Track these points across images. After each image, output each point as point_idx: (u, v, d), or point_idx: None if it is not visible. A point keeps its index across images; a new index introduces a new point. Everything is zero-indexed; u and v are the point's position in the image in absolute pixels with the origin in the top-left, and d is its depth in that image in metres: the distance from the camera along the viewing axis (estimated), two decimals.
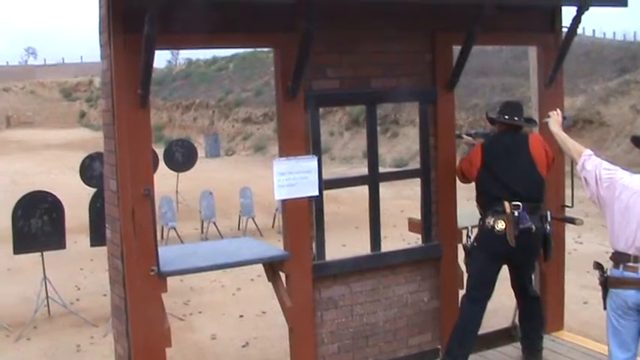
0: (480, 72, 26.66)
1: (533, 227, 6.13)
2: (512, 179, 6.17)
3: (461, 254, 6.77)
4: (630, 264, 4.96)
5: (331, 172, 20.56)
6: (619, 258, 5.03)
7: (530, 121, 6.66)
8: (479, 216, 6.42)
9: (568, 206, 7.12)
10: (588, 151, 5.37)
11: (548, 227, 6.37)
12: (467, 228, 6.73)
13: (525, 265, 6.49)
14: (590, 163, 5.25)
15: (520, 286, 6.60)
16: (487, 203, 6.27)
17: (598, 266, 5.19)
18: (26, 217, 9.50)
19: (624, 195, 5.01)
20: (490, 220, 6.17)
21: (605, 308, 5.18)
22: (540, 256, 6.50)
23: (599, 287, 5.22)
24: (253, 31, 5.73)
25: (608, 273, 5.11)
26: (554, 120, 5.89)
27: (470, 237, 6.63)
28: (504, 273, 6.51)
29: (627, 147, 19.58)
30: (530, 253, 6.38)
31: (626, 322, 5.02)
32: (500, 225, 6.10)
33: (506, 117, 6.38)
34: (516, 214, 6.07)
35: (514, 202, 6.09)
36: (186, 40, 5.61)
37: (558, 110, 6.05)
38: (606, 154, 18.37)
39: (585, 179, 5.25)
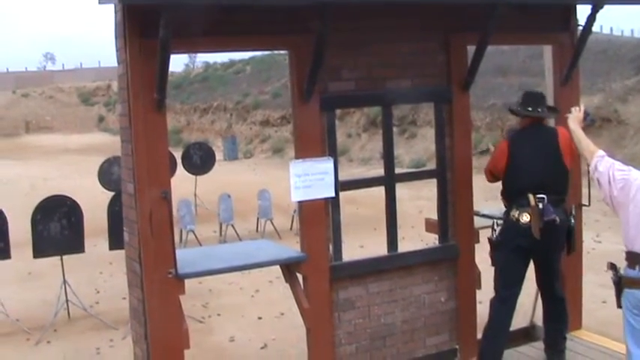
0: (498, 72, 26.59)
1: (558, 219, 6.12)
2: (538, 172, 6.17)
3: (478, 253, 6.77)
4: None
5: (349, 173, 20.60)
6: (635, 258, 5.01)
7: (553, 110, 6.65)
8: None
9: (585, 205, 7.09)
10: (601, 152, 5.36)
11: (572, 220, 6.38)
12: (493, 221, 6.72)
13: (550, 259, 6.42)
14: (603, 164, 5.24)
15: (546, 284, 6.56)
16: (512, 196, 6.27)
17: (612, 266, 5.17)
18: (45, 221, 9.56)
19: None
20: (515, 213, 6.17)
21: (619, 307, 5.17)
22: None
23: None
24: (268, 33, 5.76)
25: (622, 273, 5.10)
26: (574, 117, 5.88)
27: (495, 230, 6.59)
28: (528, 273, 6.49)
29: None
30: (554, 246, 6.34)
31: None
32: (525, 217, 6.10)
33: (530, 109, 6.38)
34: (541, 206, 6.07)
35: (538, 195, 6.09)
36: (201, 43, 5.65)
37: (582, 106, 6.02)
38: (624, 153, 18.31)
39: (598, 181, 5.24)
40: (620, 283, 5.09)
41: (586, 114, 5.96)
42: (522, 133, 6.49)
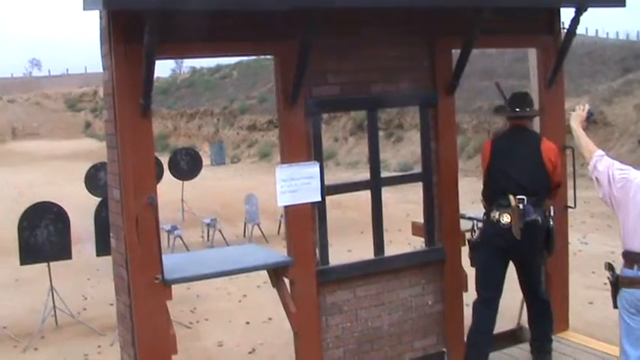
0: (484, 75, 26.65)
1: (539, 219, 6.14)
2: (519, 172, 6.18)
3: (465, 256, 6.78)
4: None
5: (336, 177, 20.61)
6: (634, 258, 5.03)
7: (532, 108, 6.65)
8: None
9: (571, 207, 7.12)
10: (600, 152, 5.40)
11: (551, 222, 6.39)
12: (473, 223, 6.75)
13: (530, 260, 6.43)
14: (602, 163, 5.28)
15: (529, 287, 6.58)
16: (492, 197, 6.28)
17: (609, 266, 5.19)
18: (32, 227, 9.53)
19: None
20: (495, 214, 6.17)
21: (615, 307, 5.19)
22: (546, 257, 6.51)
23: (608, 286, 5.23)
24: (253, 39, 5.75)
25: (620, 273, 5.12)
26: (577, 115, 5.92)
27: (475, 232, 6.64)
28: (513, 275, 6.52)
29: (632, 146, 19.59)
30: (533, 247, 6.32)
31: None
32: (506, 218, 6.10)
33: (509, 109, 6.43)
34: (521, 207, 6.08)
35: (519, 196, 6.10)
36: (186, 49, 5.65)
37: (586, 105, 6.06)
38: (610, 155, 18.38)
39: (597, 179, 5.27)
40: (617, 283, 5.11)
41: (589, 113, 6.00)
42: (505, 135, 6.54)
